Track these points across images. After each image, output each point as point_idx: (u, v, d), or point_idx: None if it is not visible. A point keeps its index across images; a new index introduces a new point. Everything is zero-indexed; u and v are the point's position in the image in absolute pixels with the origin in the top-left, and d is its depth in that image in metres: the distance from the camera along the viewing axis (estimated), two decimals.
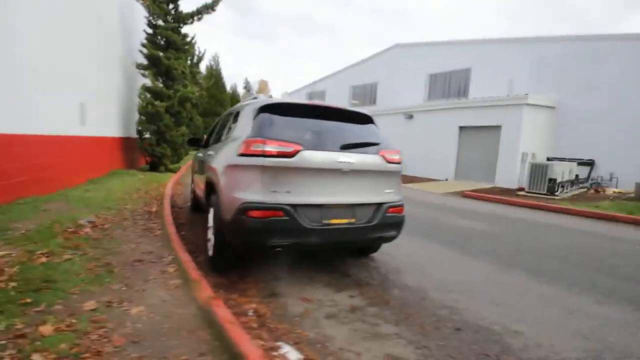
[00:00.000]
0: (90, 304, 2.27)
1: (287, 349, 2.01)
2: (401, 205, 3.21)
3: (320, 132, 2.94)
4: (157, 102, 9.29)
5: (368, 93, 23.32)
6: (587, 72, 13.62)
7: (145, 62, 9.68)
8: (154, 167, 10.37)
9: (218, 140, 4.05)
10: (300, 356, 1.97)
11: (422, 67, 19.66)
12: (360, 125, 3.28)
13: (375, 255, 4.00)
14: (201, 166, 4.36)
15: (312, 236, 2.69)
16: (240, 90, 41.10)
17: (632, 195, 11.26)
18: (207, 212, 3.45)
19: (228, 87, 32.50)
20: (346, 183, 2.88)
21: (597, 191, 12.02)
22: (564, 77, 14.28)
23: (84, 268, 2.86)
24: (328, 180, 2.80)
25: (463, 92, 18.16)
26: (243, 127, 3.00)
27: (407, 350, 2.12)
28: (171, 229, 4.12)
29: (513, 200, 9.29)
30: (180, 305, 2.40)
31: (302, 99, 27.34)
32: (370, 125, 3.36)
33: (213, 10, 9.89)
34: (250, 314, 2.40)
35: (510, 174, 12.83)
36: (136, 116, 9.74)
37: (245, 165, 2.65)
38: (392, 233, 3.15)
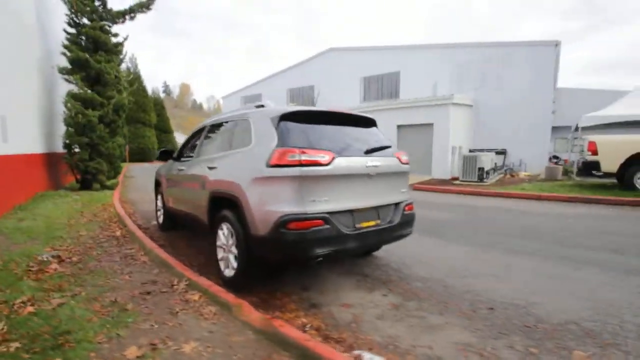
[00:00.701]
0: (132, 351, 1.96)
1: (369, 356, 2.02)
2: (412, 203, 3.41)
3: (341, 138, 2.97)
4: (88, 111, 8.12)
5: (305, 95, 23.64)
6: (497, 74, 15.87)
7: (69, 65, 8.38)
8: (85, 185, 9.05)
9: (204, 152, 3.78)
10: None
11: (356, 70, 20.67)
12: (368, 129, 3.39)
13: (375, 253, 4.15)
14: (186, 180, 3.99)
15: (349, 242, 2.70)
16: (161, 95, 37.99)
17: (542, 177, 13.53)
18: (215, 229, 3.19)
19: (149, 91, 29.89)
20: (372, 186, 2.96)
21: (512, 175, 14.10)
22: (479, 78, 16.42)
23: (90, 311, 2.43)
24: (357, 184, 2.84)
25: (395, 93, 19.62)
26: (261, 137, 2.86)
27: (467, 335, 2.29)
28: (161, 252, 3.71)
29: (455, 189, 10.39)
30: (234, 333, 2.21)
31: (238, 103, 26.59)
32: (374, 129, 3.49)
33: (148, 9, 9.00)
34: (308, 328, 2.33)
35: (444, 165, 14.31)
36: (61, 128, 8.37)
37: (280, 176, 2.55)
38: (409, 230, 3.32)
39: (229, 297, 2.58)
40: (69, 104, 8.02)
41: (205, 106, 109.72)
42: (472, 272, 3.51)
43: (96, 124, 8.32)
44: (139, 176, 14.75)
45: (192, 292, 2.79)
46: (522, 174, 14.27)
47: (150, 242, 4.17)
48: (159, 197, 5.32)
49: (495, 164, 14.96)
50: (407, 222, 3.26)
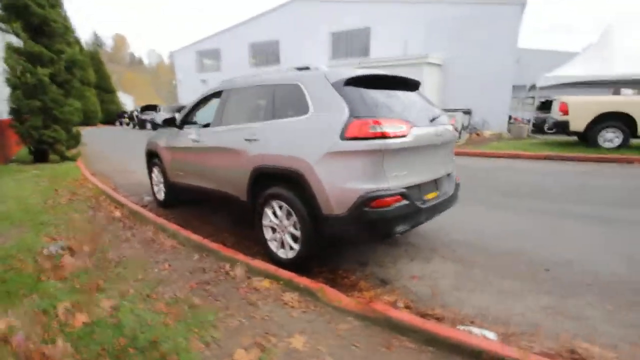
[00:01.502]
0: (241, 355, 1.75)
1: (476, 330, 2.02)
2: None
3: (403, 104, 2.75)
4: (37, 69, 6.79)
5: (270, 52, 22.12)
6: (465, 32, 15.96)
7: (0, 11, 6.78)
8: (40, 156, 7.85)
9: (231, 121, 3.34)
10: (493, 334, 2.01)
11: (323, 25, 19.54)
12: (416, 93, 3.19)
13: None
14: (207, 153, 3.54)
15: (422, 216, 2.62)
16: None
17: (508, 135, 14.44)
18: (261, 208, 2.91)
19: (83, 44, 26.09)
20: (436, 157, 2.85)
21: (477, 135, 14.86)
22: (448, 37, 16.43)
23: (158, 313, 2.12)
24: (426, 156, 2.70)
25: (365, 51, 19.05)
26: (321, 105, 2.54)
27: (549, 299, 2.38)
28: (192, 235, 3.35)
29: None
30: (335, 321, 2.08)
31: (192, 59, 24.21)
32: (420, 91, 3.30)
33: None
34: (401, 305, 2.28)
35: None
36: (4, 90, 6.97)
37: (360, 150, 2.31)
38: (457, 201, 3.30)
39: (303, 280, 2.41)
40: (10, 60, 6.61)
41: (146, 61, 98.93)
42: (508, 234, 3.65)
43: (48, 84, 7.03)
44: (93, 143, 13.23)
45: (258, 279, 2.56)
46: (487, 133, 15.09)
47: (169, 223, 3.75)
48: (156, 170, 4.75)
49: (463, 123, 15.62)
50: (457, 192, 3.23)
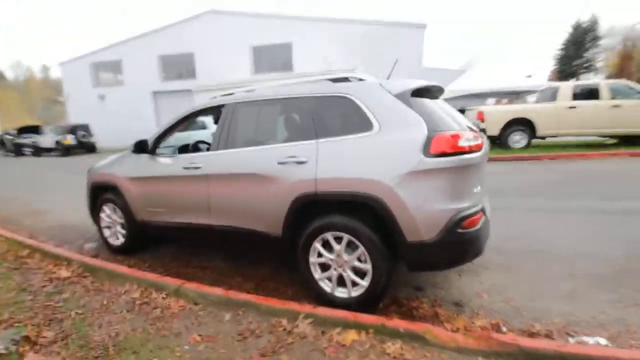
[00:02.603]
0: None
1: (589, 340, 1.97)
2: None
3: (451, 116, 2.63)
4: None
5: (183, 65, 20.42)
6: (377, 50, 17.31)
7: None
8: None
9: (248, 142, 2.78)
10: (603, 339, 1.98)
11: (244, 38, 19.01)
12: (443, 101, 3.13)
13: None
14: (213, 182, 2.85)
15: (489, 230, 2.51)
16: None
17: None
18: (307, 243, 2.42)
19: None
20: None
21: None
22: (365, 54, 17.63)
23: None
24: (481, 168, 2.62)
25: (289, 66, 19.12)
26: (388, 119, 2.23)
27: (610, 293, 2.49)
28: (208, 289, 2.61)
29: None
30: None
31: (86, 72, 20.81)
32: None
33: None
34: (504, 330, 2.09)
35: None
36: None
37: (448, 167, 2.08)
38: None
39: (398, 323, 2.03)
40: None
41: (10, 75, 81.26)
42: (525, 234, 3.76)
43: None
44: None
45: (335, 331, 2.06)
46: None
47: (163, 277, 2.87)
48: (107, 209, 3.69)
49: None
50: None
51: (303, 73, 17.15)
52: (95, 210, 3.87)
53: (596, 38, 41.41)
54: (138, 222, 3.45)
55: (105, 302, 2.61)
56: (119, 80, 21.77)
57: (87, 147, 17.39)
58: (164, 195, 3.18)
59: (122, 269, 3.06)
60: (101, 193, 3.76)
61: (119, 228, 3.67)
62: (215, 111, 3.22)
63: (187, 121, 3.32)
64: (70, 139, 16.67)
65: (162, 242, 3.98)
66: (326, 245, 2.42)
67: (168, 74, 20.86)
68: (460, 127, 2.27)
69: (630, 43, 27.64)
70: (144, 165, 3.33)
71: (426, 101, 2.34)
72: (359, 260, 2.30)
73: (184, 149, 3.75)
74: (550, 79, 27.75)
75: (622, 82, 9.46)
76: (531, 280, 2.75)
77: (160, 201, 3.22)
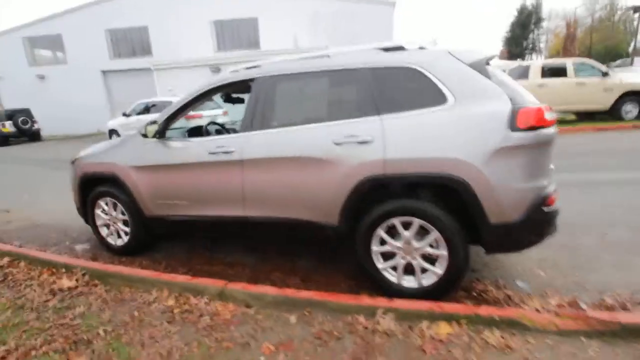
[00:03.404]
0: None
1: None
2: None
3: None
4: None
5: (136, 40, 18.51)
6: (346, 28, 16.91)
7: None
8: None
9: (295, 120, 2.45)
10: None
11: (204, 11, 17.56)
12: None
13: None
14: (252, 168, 2.48)
15: None
16: None
17: None
18: (370, 230, 2.21)
19: None
20: None
21: None
22: (333, 31, 17.15)
23: None
24: None
25: (254, 43, 18.10)
26: (466, 91, 2.02)
27: None
28: (263, 288, 2.31)
29: None
30: (578, 349, 1.70)
31: (19, 48, 18.13)
32: None
33: None
34: (584, 307, 2.07)
35: None
36: None
37: (534, 142, 1.95)
38: None
39: (488, 311, 1.92)
40: None
41: None
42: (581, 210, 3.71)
43: None
44: None
45: (425, 325, 1.90)
46: None
47: (204, 279, 2.50)
48: (103, 204, 3.18)
49: None
50: None
51: (270, 50, 16.35)
52: (85, 206, 3.32)
53: (539, 20, 44.31)
54: (147, 218, 3.00)
55: (135, 314, 2.22)
56: (60, 59, 19.26)
57: (29, 135, 15.37)
58: (185, 185, 2.76)
59: (143, 272, 2.65)
60: (94, 186, 3.22)
61: (120, 225, 3.18)
62: (239, 87, 2.82)
63: (204, 99, 2.88)
64: (8, 127, 14.59)
65: (169, 239, 3.55)
66: (390, 231, 2.23)
67: (119, 51, 18.81)
68: (535, 99, 2.14)
69: (572, 23, 29.74)
70: (154, 151, 2.86)
71: (498, 71, 2.17)
72: (431, 246, 2.15)
73: (194, 131, 3.29)
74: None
75: (587, 60, 10.07)
76: (576, 252, 2.79)
77: (180, 192, 2.80)
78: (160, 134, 2.85)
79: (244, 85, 2.73)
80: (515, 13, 44.13)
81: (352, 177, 2.19)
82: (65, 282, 2.65)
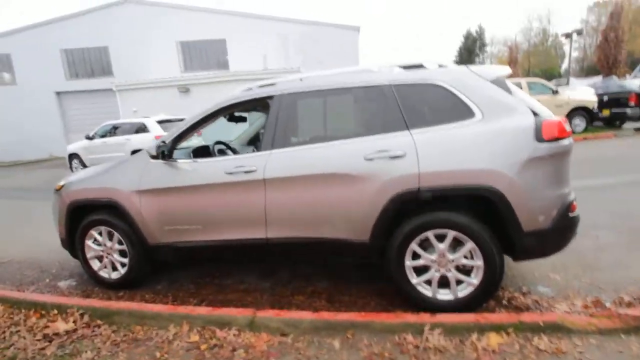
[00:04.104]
0: None
1: None
2: None
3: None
4: None
5: (95, 60, 17.63)
6: (314, 51, 17.36)
7: None
8: None
9: (317, 137, 2.43)
10: None
11: (170, 33, 17.23)
12: None
13: None
14: (275, 188, 2.39)
15: None
16: None
17: None
18: (403, 246, 2.20)
19: None
20: None
21: None
22: (301, 53, 17.53)
23: None
24: None
25: (223, 64, 17.97)
26: (489, 106, 2.13)
27: None
28: (297, 314, 2.17)
29: None
30: (618, 347, 1.77)
31: None
32: None
33: None
34: (608, 305, 2.17)
35: None
36: None
37: (559, 152, 2.08)
38: None
39: (530, 317, 1.96)
40: None
41: None
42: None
43: None
44: None
45: (473, 337, 1.89)
46: None
47: (227, 309, 2.30)
48: (96, 234, 2.88)
49: None
50: None
51: (240, 71, 16.30)
52: (73, 237, 2.98)
53: (483, 45, 48.73)
54: (150, 246, 2.76)
55: (157, 355, 1.99)
56: (9, 79, 17.75)
57: None
58: (198, 208, 2.59)
59: (155, 307, 2.40)
60: (84, 215, 2.92)
61: (116, 257, 2.89)
62: (252, 105, 2.76)
63: (215, 118, 2.76)
64: None
65: (166, 269, 3.28)
66: (422, 244, 2.23)
67: (76, 71, 17.75)
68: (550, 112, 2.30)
69: (514, 49, 33.02)
70: (161, 173, 2.66)
71: (514, 87, 2.31)
72: (465, 257, 2.17)
73: (200, 152, 3.12)
74: None
75: (538, 80, 11.14)
76: (580, 255, 2.95)
77: (192, 216, 2.61)
78: (168, 155, 2.67)
79: (258, 104, 2.67)
80: (462, 39, 48.15)
81: (385, 191, 2.18)
82: (61, 325, 2.33)
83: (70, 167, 10.75)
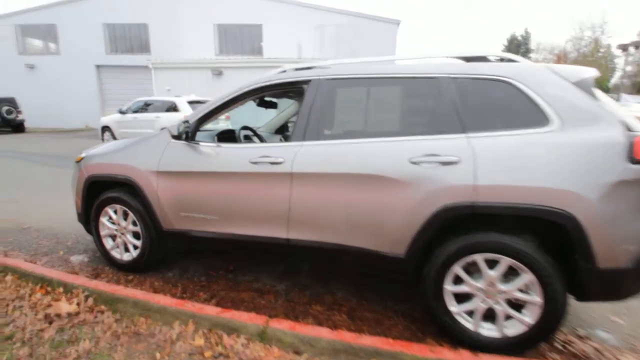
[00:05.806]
0: None
1: None
2: None
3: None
4: None
5: (134, 37, 17.98)
6: (350, 42, 16.87)
7: None
8: None
9: (363, 132, 2.13)
10: None
11: (207, 14, 17.26)
12: None
13: None
14: (313, 183, 2.13)
15: None
16: None
17: None
18: (443, 267, 1.88)
19: None
20: None
21: None
22: (336, 44, 17.09)
23: None
24: None
25: (257, 50, 17.87)
26: (569, 113, 1.74)
27: None
28: (296, 326, 1.92)
29: None
30: None
31: (11, 36, 17.32)
32: None
33: None
34: None
35: None
36: None
37: None
38: None
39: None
40: None
41: None
42: None
43: None
44: None
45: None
46: None
47: (227, 311, 2.09)
48: (112, 212, 2.74)
49: None
50: None
51: (274, 58, 16.13)
52: (88, 212, 2.87)
53: (528, 51, 46.09)
54: (165, 232, 2.58)
55: (157, 356, 1.80)
56: (52, 49, 18.46)
57: (13, 126, 14.46)
58: (216, 197, 2.37)
59: (162, 299, 2.21)
60: (102, 190, 2.78)
61: (129, 237, 2.74)
62: (287, 89, 2.49)
63: (243, 100, 2.52)
64: None
65: (179, 255, 3.12)
66: (467, 269, 1.90)
67: (116, 46, 18.20)
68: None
69: (562, 57, 30.93)
70: (181, 155, 2.46)
71: (601, 93, 1.91)
72: (520, 290, 1.83)
73: (225, 136, 2.90)
74: None
75: None
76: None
77: (209, 205, 2.40)
78: (191, 136, 2.47)
79: (293, 88, 2.40)
80: (505, 42, 45.70)
81: (431, 202, 1.86)
82: (64, 306, 2.19)
83: (102, 139, 10.99)
